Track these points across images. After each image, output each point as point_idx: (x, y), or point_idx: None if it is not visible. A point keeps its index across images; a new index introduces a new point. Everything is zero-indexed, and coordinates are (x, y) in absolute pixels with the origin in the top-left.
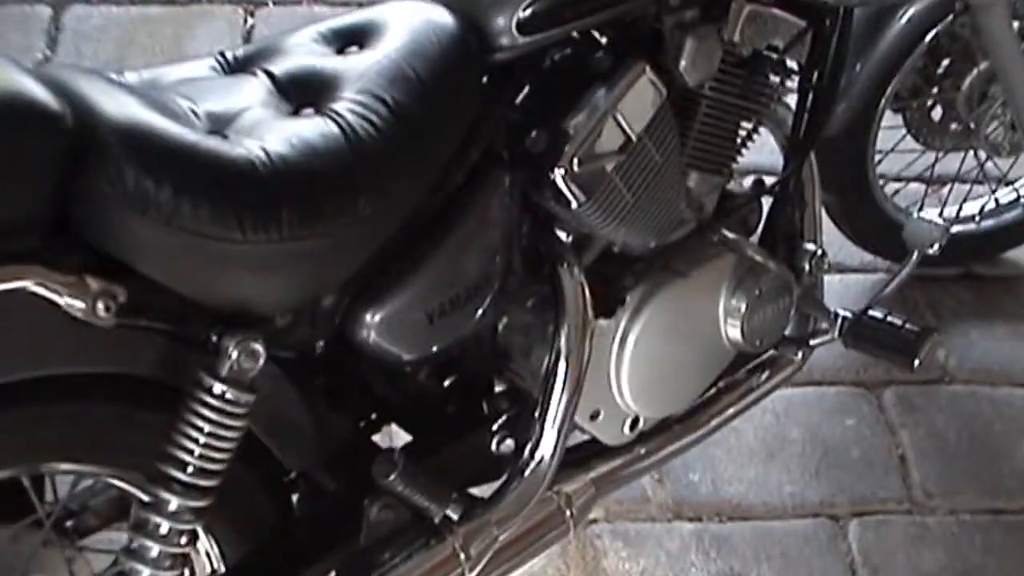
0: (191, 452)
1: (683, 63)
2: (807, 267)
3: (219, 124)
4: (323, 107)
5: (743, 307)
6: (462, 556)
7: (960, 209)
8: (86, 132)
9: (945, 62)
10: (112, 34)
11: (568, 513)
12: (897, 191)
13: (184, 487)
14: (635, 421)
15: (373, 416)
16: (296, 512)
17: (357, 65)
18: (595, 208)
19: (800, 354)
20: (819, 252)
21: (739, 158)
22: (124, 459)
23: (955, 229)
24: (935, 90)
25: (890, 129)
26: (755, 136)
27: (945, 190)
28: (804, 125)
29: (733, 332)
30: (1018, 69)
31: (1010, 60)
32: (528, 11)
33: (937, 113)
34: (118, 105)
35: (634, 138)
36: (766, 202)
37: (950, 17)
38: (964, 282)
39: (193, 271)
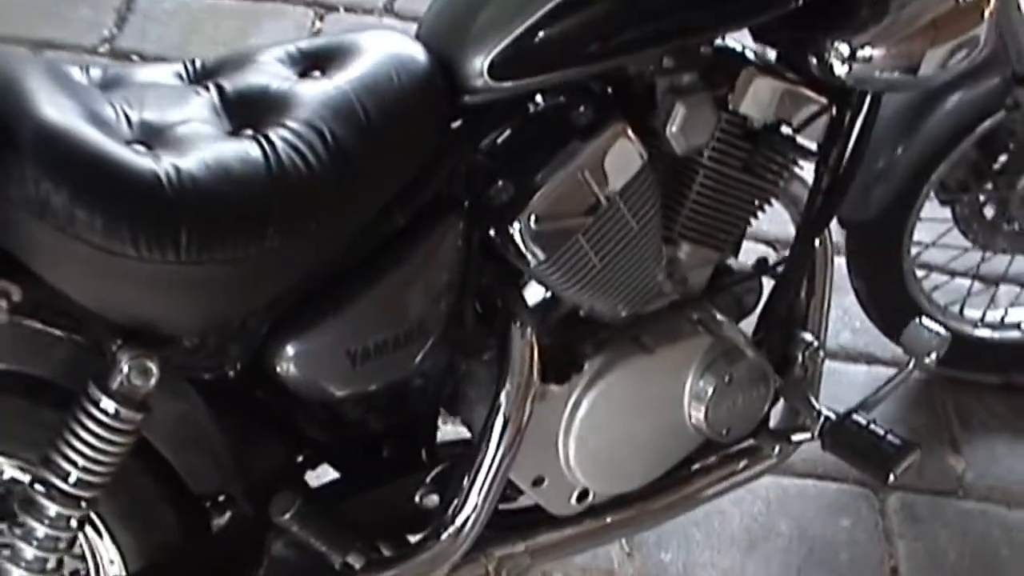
0: (73, 463)
1: (671, 128)
2: (800, 357)
3: (148, 135)
4: (259, 131)
5: (710, 392)
6: None
7: (1006, 314)
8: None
9: (1002, 158)
10: (180, 20)
11: None
12: (937, 287)
13: (63, 495)
14: (584, 493)
15: (305, 451)
16: (210, 534)
17: (308, 92)
18: (555, 268)
19: (777, 449)
20: (815, 344)
21: (741, 234)
22: (21, 451)
23: (998, 336)
24: (988, 186)
25: (933, 221)
26: (760, 212)
27: (993, 291)
28: (816, 208)
29: (697, 417)
30: None
31: None
32: (501, 56)
33: (990, 211)
34: (47, 104)
35: (604, 201)
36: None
37: (1002, 112)
38: (1001, 393)
39: (87, 282)
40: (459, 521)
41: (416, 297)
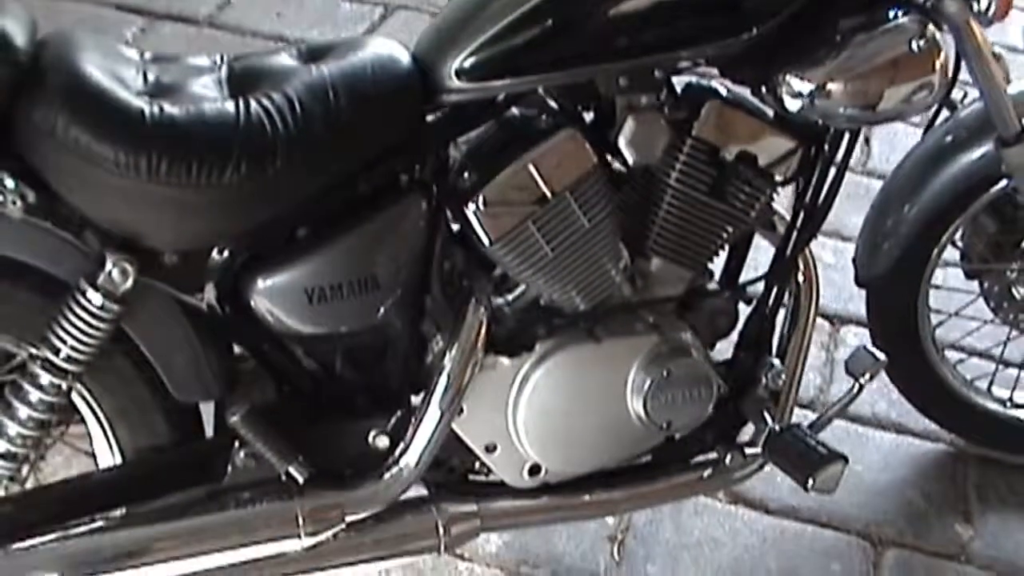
0: (63, 341)
1: (621, 140)
2: (763, 379)
3: (156, 91)
4: (244, 95)
5: (647, 384)
6: (301, 520)
7: None
8: (35, 70)
9: None
10: None
11: (442, 532)
12: (961, 360)
13: (54, 367)
14: (536, 468)
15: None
16: (192, 439)
17: (294, 73)
18: (507, 250)
19: (729, 457)
20: (779, 368)
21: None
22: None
23: None
24: (1017, 264)
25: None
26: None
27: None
28: (792, 241)
29: (636, 407)
30: None
31: None
32: (468, 60)
33: (1021, 289)
34: (81, 62)
35: (549, 194)
36: None
37: (1005, 180)
38: None
39: (85, 193)
40: (400, 465)
41: (371, 256)
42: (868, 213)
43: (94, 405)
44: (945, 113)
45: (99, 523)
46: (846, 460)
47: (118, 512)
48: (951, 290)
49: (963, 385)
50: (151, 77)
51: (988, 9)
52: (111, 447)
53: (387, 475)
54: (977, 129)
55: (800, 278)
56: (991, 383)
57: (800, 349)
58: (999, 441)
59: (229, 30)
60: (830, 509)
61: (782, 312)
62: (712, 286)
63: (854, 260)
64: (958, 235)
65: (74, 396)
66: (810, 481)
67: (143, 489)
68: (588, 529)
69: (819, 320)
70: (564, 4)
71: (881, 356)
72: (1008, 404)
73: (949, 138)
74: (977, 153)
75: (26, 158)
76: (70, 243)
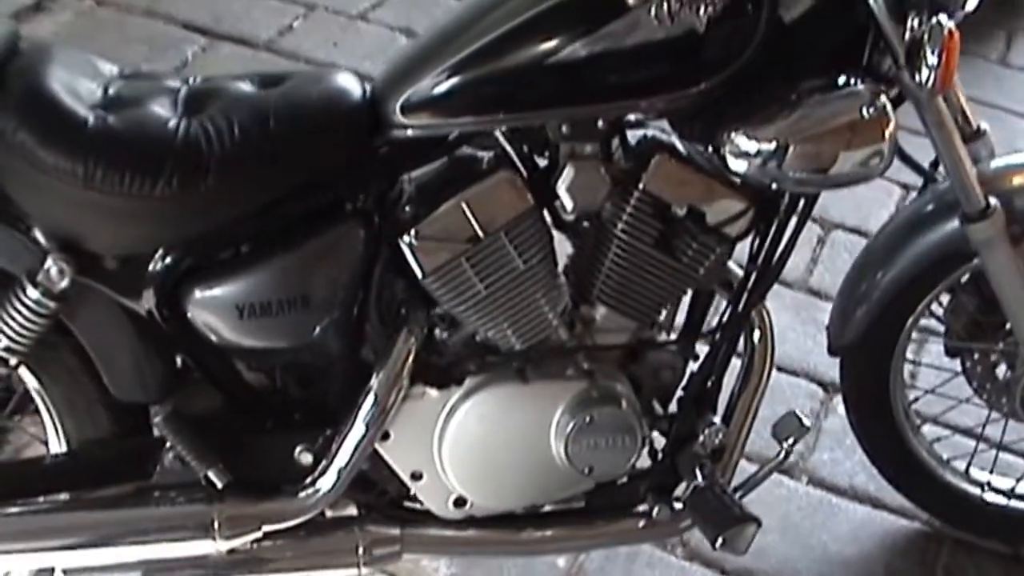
0: (2, 330)
1: (559, 186)
2: (700, 436)
3: (109, 104)
4: (189, 114)
5: (570, 427)
6: (216, 525)
7: (1018, 484)
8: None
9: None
10: None
11: (362, 552)
12: (940, 439)
13: None
14: (461, 500)
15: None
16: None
17: (240, 96)
18: (440, 284)
19: (657, 509)
20: (717, 427)
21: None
22: None
23: (1012, 504)
24: (1000, 345)
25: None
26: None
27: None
28: (744, 300)
29: (559, 449)
30: None
31: (1018, 304)
32: (412, 98)
33: (1002, 370)
34: (43, 75)
35: (482, 234)
36: None
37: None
38: (1002, 560)
39: (27, 192)
40: (319, 483)
41: (303, 276)
42: (845, 278)
43: (44, 396)
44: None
45: (33, 506)
46: (759, 523)
47: (53, 497)
48: (929, 367)
49: (939, 464)
50: (111, 92)
51: (928, 81)
52: (59, 436)
53: (305, 491)
54: (956, 200)
55: (755, 337)
56: (969, 463)
57: (749, 409)
58: (971, 524)
59: (285, 55)
60: None
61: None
62: (661, 338)
63: (827, 327)
64: (941, 309)
65: (30, 386)
66: (719, 540)
67: (81, 478)
68: (537, 571)
69: (811, 386)
70: (505, 49)
71: (807, 422)
72: (985, 488)
73: (930, 207)
74: (953, 225)
75: None
76: (19, 240)
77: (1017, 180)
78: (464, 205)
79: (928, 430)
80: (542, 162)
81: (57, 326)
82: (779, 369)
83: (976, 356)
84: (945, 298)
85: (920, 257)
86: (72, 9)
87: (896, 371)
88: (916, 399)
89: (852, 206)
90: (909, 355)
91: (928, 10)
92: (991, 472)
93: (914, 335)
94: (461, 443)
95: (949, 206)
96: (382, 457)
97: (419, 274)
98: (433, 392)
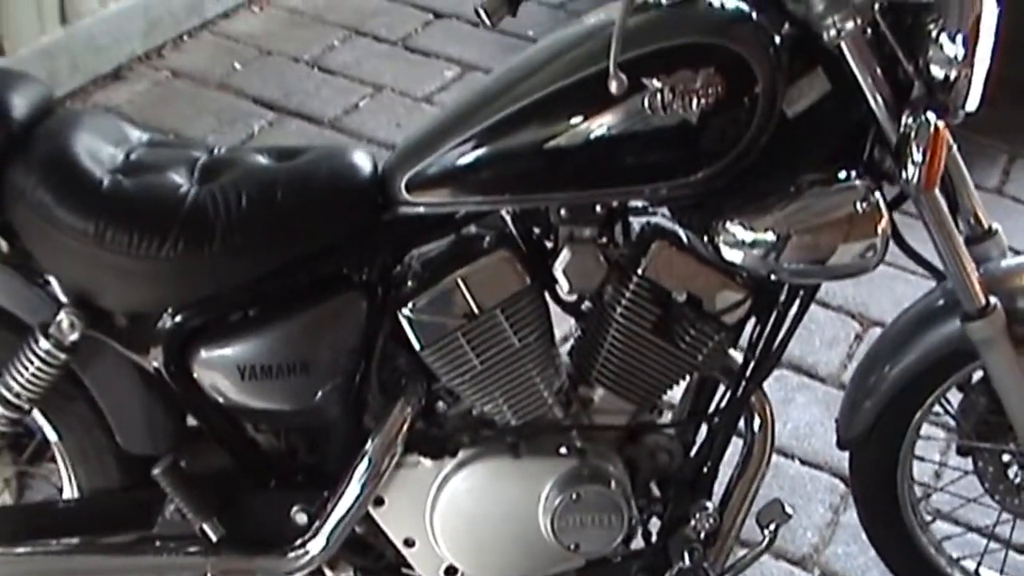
0: (15, 379)
1: (556, 268)
2: (692, 520)
3: (128, 169)
4: (202, 183)
5: (556, 503)
6: None
7: None
8: (29, 138)
9: None
10: None
11: None
12: (950, 537)
13: (6, 401)
14: (452, 569)
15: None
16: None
17: (251, 169)
18: (437, 357)
19: None
20: (710, 512)
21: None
22: None
23: None
24: (1012, 445)
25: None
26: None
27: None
28: (742, 385)
29: (545, 524)
30: None
31: (1020, 405)
32: (417, 177)
33: (1015, 470)
34: (69, 139)
35: (477, 311)
36: None
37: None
38: None
39: (44, 248)
40: (310, 543)
41: (305, 342)
42: (855, 371)
43: (60, 444)
44: None
45: (43, 547)
46: None
47: (63, 540)
48: (943, 465)
49: (948, 563)
50: (133, 157)
51: (914, 178)
52: (71, 483)
53: (297, 550)
54: None
55: (756, 424)
56: (979, 563)
57: (746, 496)
58: None
59: (348, 133)
60: None
61: None
62: (659, 421)
63: (836, 420)
64: (954, 407)
65: (48, 435)
66: None
67: (89, 524)
68: None
69: (832, 480)
70: (507, 131)
71: (790, 510)
72: None
73: (939, 302)
74: (949, 325)
75: (6, 214)
76: (36, 292)
77: (1023, 280)
78: (460, 281)
79: (938, 527)
80: (547, 243)
81: (73, 379)
82: (802, 462)
83: (987, 456)
84: (956, 397)
85: (927, 353)
86: (149, 79)
87: (904, 467)
88: (927, 495)
89: (892, 303)
90: (921, 452)
91: (923, 108)
92: (1001, 572)
93: (923, 431)
94: (452, 513)
95: (958, 303)
96: (377, 523)
97: (417, 346)
98: (427, 462)
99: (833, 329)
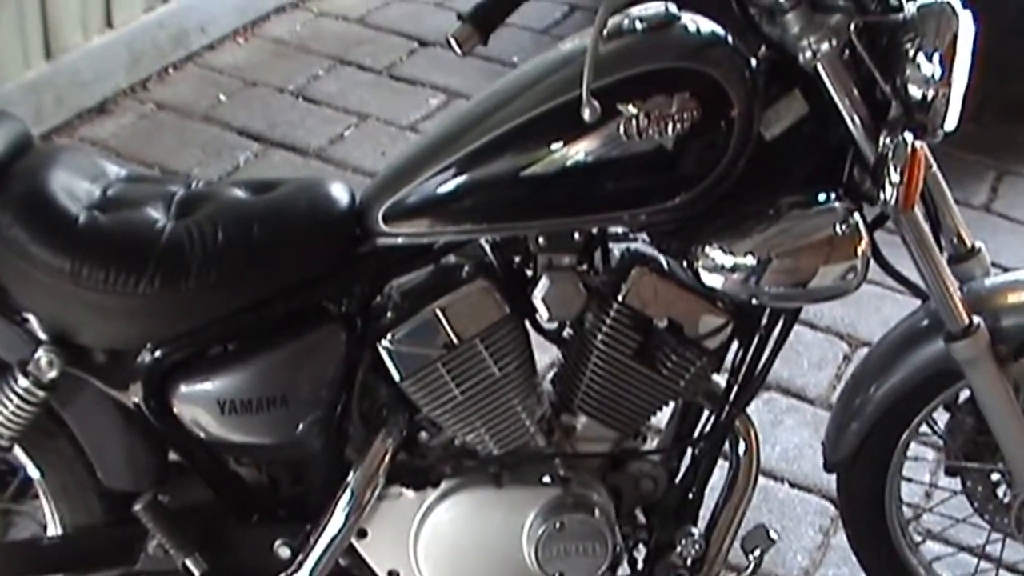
0: None
1: (534, 296)
2: (678, 546)
3: (104, 205)
4: (178, 217)
5: (540, 532)
6: None
7: None
8: (4, 175)
9: None
10: None
11: None
12: (940, 558)
13: None
14: None
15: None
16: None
17: (228, 202)
18: (417, 388)
19: None
20: (695, 538)
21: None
22: None
23: None
24: (1000, 465)
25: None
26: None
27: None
28: (725, 412)
29: (529, 553)
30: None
31: (1005, 424)
32: (393, 208)
33: (1003, 490)
34: (44, 177)
35: (456, 341)
36: None
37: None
38: None
39: (20, 285)
40: None
41: (284, 376)
42: (840, 392)
43: (43, 481)
44: None
45: None
46: None
47: None
48: (931, 486)
49: None
50: (110, 193)
51: (892, 198)
52: (54, 520)
53: None
54: None
55: (741, 449)
56: None
57: (732, 521)
58: None
59: (334, 163)
60: None
61: None
62: (643, 448)
63: (823, 442)
64: (941, 427)
65: (30, 472)
66: None
67: (72, 561)
68: None
69: (823, 503)
70: (482, 161)
71: (774, 535)
72: None
73: (924, 322)
74: (934, 346)
75: None
76: (14, 330)
77: (1006, 299)
78: (439, 312)
79: (928, 548)
80: (527, 271)
81: (53, 415)
82: (791, 485)
83: (976, 475)
84: (944, 417)
85: (912, 374)
86: (134, 112)
87: (892, 488)
88: (917, 516)
89: (880, 323)
90: (909, 473)
91: (901, 129)
92: None
93: (911, 451)
94: (436, 544)
95: (942, 323)
96: (361, 555)
97: (397, 377)
98: (410, 493)
99: (821, 350)
